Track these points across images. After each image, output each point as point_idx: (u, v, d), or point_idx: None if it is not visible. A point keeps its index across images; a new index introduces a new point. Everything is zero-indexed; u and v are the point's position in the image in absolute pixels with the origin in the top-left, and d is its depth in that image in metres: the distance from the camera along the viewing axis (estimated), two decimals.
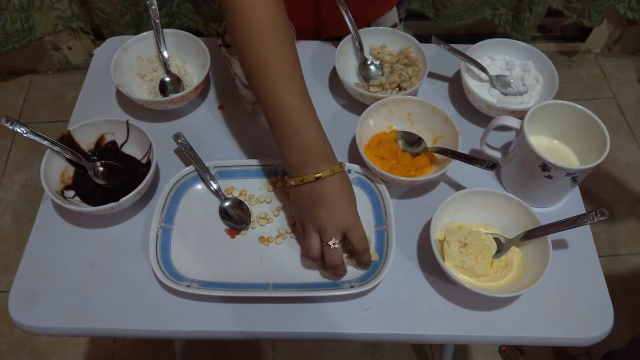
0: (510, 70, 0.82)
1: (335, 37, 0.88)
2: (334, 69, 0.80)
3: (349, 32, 0.82)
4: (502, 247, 0.66)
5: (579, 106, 0.69)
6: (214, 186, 0.71)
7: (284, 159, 0.62)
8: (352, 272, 0.66)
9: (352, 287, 0.63)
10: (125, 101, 0.81)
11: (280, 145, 0.62)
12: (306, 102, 0.61)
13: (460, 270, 0.64)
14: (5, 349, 1.31)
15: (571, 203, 0.73)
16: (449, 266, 0.63)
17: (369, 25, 0.88)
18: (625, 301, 1.39)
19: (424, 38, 0.83)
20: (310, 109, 0.61)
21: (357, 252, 0.62)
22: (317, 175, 0.59)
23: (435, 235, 0.65)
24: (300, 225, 0.65)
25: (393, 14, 0.95)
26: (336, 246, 0.60)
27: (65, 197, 0.69)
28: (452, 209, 0.67)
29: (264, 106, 0.62)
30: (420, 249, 0.68)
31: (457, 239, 0.65)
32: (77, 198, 0.70)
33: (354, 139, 0.76)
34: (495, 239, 0.66)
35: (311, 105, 0.62)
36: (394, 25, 0.96)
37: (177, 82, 0.81)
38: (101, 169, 0.72)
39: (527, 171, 0.68)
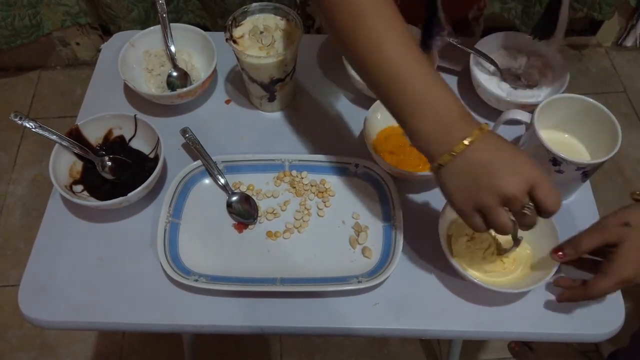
0: (520, 63, 0.81)
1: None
2: (342, 62, 0.80)
3: None
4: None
5: (590, 99, 0.68)
6: (222, 181, 0.71)
7: (416, 137, 0.51)
8: (360, 267, 0.65)
9: (359, 282, 0.62)
10: (132, 96, 0.81)
11: (407, 121, 0.51)
12: (427, 63, 0.51)
13: (468, 265, 0.63)
14: (15, 342, 1.32)
15: (581, 198, 0.72)
16: (457, 261, 0.62)
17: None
18: (635, 297, 1.38)
19: None
20: (433, 69, 0.52)
21: (546, 210, 0.49)
22: (468, 140, 0.48)
23: (444, 230, 0.64)
24: (467, 213, 0.51)
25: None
26: (531, 207, 0.49)
27: (73, 192, 0.69)
28: None
29: (378, 82, 0.52)
30: (428, 244, 0.68)
31: (465, 233, 0.64)
32: (85, 192, 0.70)
33: (361, 134, 0.76)
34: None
35: (431, 65, 0.52)
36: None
37: (185, 76, 0.81)
38: (109, 163, 0.72)
39: None
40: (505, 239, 0.64)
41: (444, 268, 0.66)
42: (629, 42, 0.81)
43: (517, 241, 0.59)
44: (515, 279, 0.63)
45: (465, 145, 0.48)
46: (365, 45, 0.51)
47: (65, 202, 0.71)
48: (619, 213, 0.58)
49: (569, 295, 0.60)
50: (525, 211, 0.49)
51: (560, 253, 0.59)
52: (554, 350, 1.28)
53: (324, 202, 0.71)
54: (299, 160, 0.73)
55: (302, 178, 0.73)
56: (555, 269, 0.60)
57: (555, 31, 0.70)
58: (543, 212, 0.50)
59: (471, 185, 0.49)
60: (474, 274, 0.63)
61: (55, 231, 0.69)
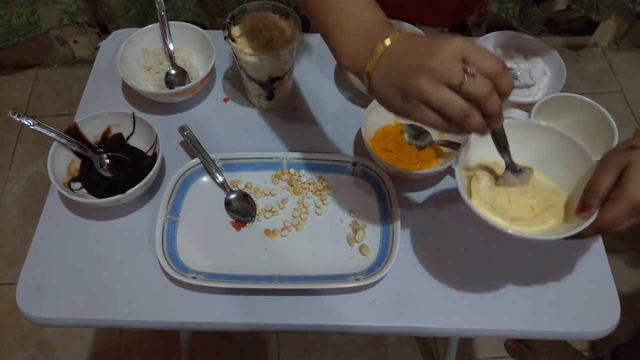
0: (517, 63, 0.82)
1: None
2: None
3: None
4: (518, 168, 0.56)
5: (587, 99, 0.68)
6: (220, 179, 0.71)
7: (344, 53, 0.51)
8: (358, 264, 0.66)
9: (357, 279, 0.63)
10: (131, 94, 0.81)
11: (336, 38, 0.52)
12: None
13: (489, 209, 0.56)
14: (12, 340, 1.32)
15: None
16: (475, 204, 0.54)
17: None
18: (631, 296, 1.39)
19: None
20: None
21: (488, 71, 0.45)
22: (388, 40, 0.48)
23: (462, 171, 0.56)
24: (413, 110, 0.47)
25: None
26: (475, 70, 0.44)
27: (71, 189, 0.69)
28: (486, 142, 0.53)
29: (316, 6, 0.53)
30: (426, 242, 0.68)
31: (490, 171, 0.57)
32: (83, 190, 0.70)
33: (359, 132, 0.76)
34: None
35: None
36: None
37: (183, 74, 0.81)
38: (107, 161, 0.72)
39: None
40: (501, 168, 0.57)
41: (442, 265, 0.66)
42: (561, 6, 0.82)
43: (506, 154, 0.53)
44: (543, 230, 0.55)
45: (386, 45, 0.48)
46: None
47: (63, 200, 0.71)
48: (623, 143, 0.54)
49: (579, 232, 0.52)
50: (469, 71, 0.44)
51: (585, 209, 0.52)
52: (551, 349, 1.29)
53: (322, 200, 0.71)
54: (297, 159, 0.73)
55: (300, 176, 0.73)
56: (591, 221, 0.52)
57: None
58: (487, 77, 0.45)
59: (402, 78, 0.46)
60: (496, 220, 0.55)
61: (53, 229, 0.69)
